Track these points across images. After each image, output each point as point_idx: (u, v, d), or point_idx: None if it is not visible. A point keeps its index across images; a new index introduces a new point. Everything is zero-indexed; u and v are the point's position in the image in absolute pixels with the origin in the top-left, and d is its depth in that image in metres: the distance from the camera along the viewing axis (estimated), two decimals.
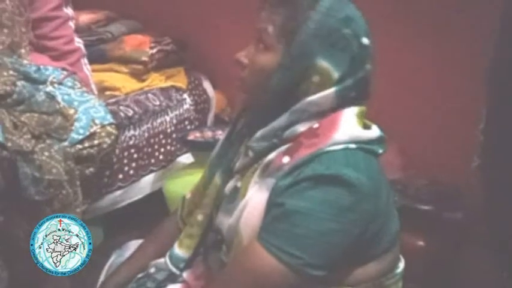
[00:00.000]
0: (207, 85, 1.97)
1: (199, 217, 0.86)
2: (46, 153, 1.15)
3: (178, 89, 1.84)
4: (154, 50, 1.79)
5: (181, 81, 1.87)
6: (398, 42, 1.58)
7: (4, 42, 1.26)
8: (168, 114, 1.75)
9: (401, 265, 0.84)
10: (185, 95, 1.85)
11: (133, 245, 1.03)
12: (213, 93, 1.97)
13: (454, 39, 1.53)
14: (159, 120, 1.71)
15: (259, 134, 0.79)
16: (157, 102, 1.72)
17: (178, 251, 0.88)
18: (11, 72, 1.20)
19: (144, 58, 1.76)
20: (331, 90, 0.76)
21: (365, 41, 0.77)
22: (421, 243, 1.37)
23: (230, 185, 0.83)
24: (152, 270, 0.91)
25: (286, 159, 0.75)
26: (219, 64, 1.96)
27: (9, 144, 1.08)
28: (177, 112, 1.79)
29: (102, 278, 1.00)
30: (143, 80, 1.79)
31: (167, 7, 1.97)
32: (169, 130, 1.74)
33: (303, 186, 0.71)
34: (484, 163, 1.12)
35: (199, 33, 1.95)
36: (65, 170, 1.18)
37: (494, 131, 1.08)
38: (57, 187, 1.16)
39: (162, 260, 0.91)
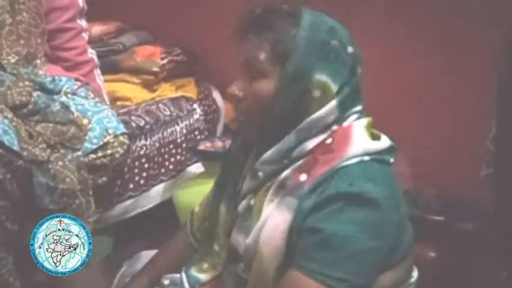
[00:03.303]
0: (216, 95, 1.98)
1: (216, 247, 0.87)
2: (60, 163, 1.16)
3: (188, 99, 1.85)
4: (165, 61, 1.81)
5: (191, 91, 1.89)
6: (407, 52, 1.59)
7: (20, 53, 1.28)
8: (178, 124, 1.76)
9: (415, 275, 0.85)
10: (195, 105, 1.86)
11: (145, 255, 1.03)
12: (223, 104, 1.99)
13: (463, 49, 1.54)
14: (169, 130, 1.72)
15: (266, 156, 0.79)
16: (168, 113, 1.74)
17: (196, 274, 0.88)
18: (26, 82, 1.22)
19: (155, 69, 1.77)
20: (333, 103, 0.77)
21: (350, 49, 0.78)
22: (432, 254, 1.37)
23: (243, 203, 0.83)
24: (166, 282, 0.91)
25: (303, 177, 0.75)
26: (229, 75, 1.97)
27: (24, 153, 1.10)
28: (187, 122, 1.80)
29: (113, 287, 1.00)
30: (154, 90, 1.80)
31: (178, 18, 2.00)
32: (179, 140, 1.75)
33: (332, 209, 0.72)
34: (495, 172, 1.13)
35: (209, 44, 1.97)
36: (78, 180, 1.19)
37: (505, 140, 1.08)
38: (70, 196, 1.17)
39: (177, 275, 0.90)
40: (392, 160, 0.80)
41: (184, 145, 1.76)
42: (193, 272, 0.89)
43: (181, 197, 1.64)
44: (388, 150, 0.79)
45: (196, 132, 1.83)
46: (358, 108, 0.80)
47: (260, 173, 0.81)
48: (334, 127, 0.78)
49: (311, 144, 0.77)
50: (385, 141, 0.80)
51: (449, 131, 1.60)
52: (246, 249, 0.79)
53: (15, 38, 1.28)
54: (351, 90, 0.78)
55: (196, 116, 1.84)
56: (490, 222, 1.18)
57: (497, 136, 1.13)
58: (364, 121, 0.79)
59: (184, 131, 1.78)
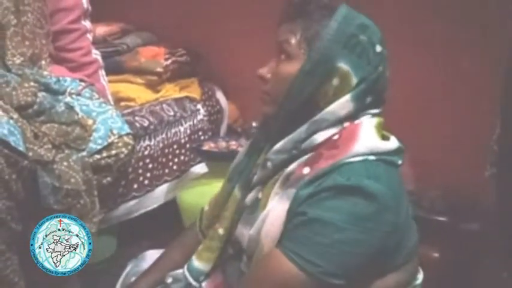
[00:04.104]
0: (220, 96, 1.99)
1: (220, 231, 0.87)
2: (65, 163, 1.17)
3: (192, 100, 1.86)
4: (169, 61, 1.82)
5: (195, 92, 1.89)
6: (410, 52, 1.58)
7: (25, 54, 1.28)
8: (182, 125, 1.77)
9: (420, 277, 0.85)
10: (199, 106, 1.87)
11: (150, 255, 1.04)
12: (226, 104, 1.99)
13: (467, 49, 1.54)
14: (173, 131, 1.72)
15: (278, 146, 0.81)
16: (172, 113, 1.74)
17: (198, 263, 0.88)
18: (32, 83, 1.22)
19: (159, 69, 1.78)
20: (347, 97, 0.77)
21: (378, 48, 0.79)
22: (436, 254, 1.36)
23: (251, 196, 0.84)
24: (169, 280, 0.92)
25: (306, 170, 0.76)
26: (232, 75, 1.98)
27: (30, 153, 1.10)
28: (191, 123, 1.81)
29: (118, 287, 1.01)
30: (158, 91, 1.81)
31: (181, 19, 2.00)
32: (183, 140, 1.75)
33: (323, 196, 0.72)
34: (498, 172, 1.13)
35: (212, 44, 1.98)
36: (83, 180, 1.19)
37: (510, 140, 1.08)
38: (75, 197, 1.18)
39: (179, 271, 0.91)
40: (400, 162, 0.79)
41: (188, 145, 1.76)
42: (194, 261, 0.89)
43: (185, 197, 1.64)
44: (396, 152, 0.79)
45: (200, 133, 1.84)
46: (375, 111, 0.80)
47: (269, 163, 0.82)
48: (346, 124, 0.78)
49: (320, 137, 0.78)
50: (393, 142, 0.80)
51: (453, 131, 1.60)
52: (249, 241, 0.80)
53: (20, 39, 1.28)
54: (369, 87, 0.78)
55: (199, 117, 1.85)
56: (494, 221, 1.18)
57: (501, 136, 1.13)
58: (374, 121, 0.79)
59: (188, 131, 1.78)
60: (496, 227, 1.13)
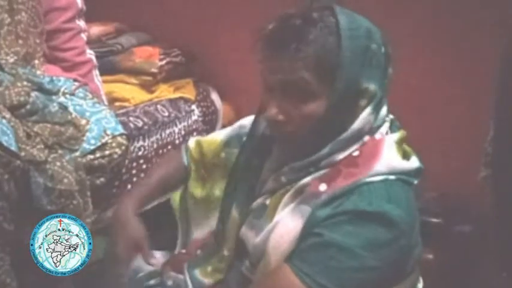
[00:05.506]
0: (215, 97, 1.98)
1: (226, 252, 0.86)
2: (58, 163, 1.16)
3: (186, 101, 1.85)
4: (164, 62, 1.81)
5: (189, 92, 1.89)
6: (407, 55, 1.59)
7: (19, 53, 1.28)
8: (176, 126, 1.76)
9: (420, 286, 0.84)
10: (193, 107, 1.86)
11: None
12: (221, 105, 1.99)
13: (463, 52, 1.55)
14: (167, 131, 1.72)
15: (296, 165, 0.76)
16: (166, 114, 1.74)
17: (203, 279, 0.88)
18: (25, 83, 1.22)
19: (154, 70, 1.77)
20: (368, 109, 0.74)
21: (383, 49, 0.75)
22: (430, 256, 1.37)
23: (258, 201, 0.82)
24: (169, 283, 0.91)
25: (323, 187, 0.73)
26: (227, 76, 1.98)
27: (22, 153, 1.10)
28: (185, 123, 1.80)
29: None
30: (152, 91, 1.80)
31: (176, 20, 2.00)
32: (177, 141, 1.75)
33: (342, 220, 0.70)
34: (493, 174, 1.13)
35: (207, 45, 1.97)
36: (76, 180, 1.19)
37: (504, 142, 1.08)
38: (68, 197, 1.17)
39: (180, 276, 0.90)
40: (415, 182, 0.77)
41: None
42: (198, 275, 0.88)
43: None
44: (415, 172, 0.77)
45: (195, 134, 1.83)
46: (384, 110, 0.77)
47: (283, 178, 0.78)
48: (366, 137, 0.75)
49: (340, 155, 0.75)
50: (414, 162, 0.77)
51: (448, 133, 1.61)
52: (254, 248, 0.78)
53: (14, 38, 1.28)
54: (384, 94, 0.76)
55: (194, 117, 1.84)
56: (489, 223, 1.18)
57: (495, 138, 1.13)
58: (396, 136, 0.77)
59: (183, 132, 1.78)
60: (493, 227, 1.13)
